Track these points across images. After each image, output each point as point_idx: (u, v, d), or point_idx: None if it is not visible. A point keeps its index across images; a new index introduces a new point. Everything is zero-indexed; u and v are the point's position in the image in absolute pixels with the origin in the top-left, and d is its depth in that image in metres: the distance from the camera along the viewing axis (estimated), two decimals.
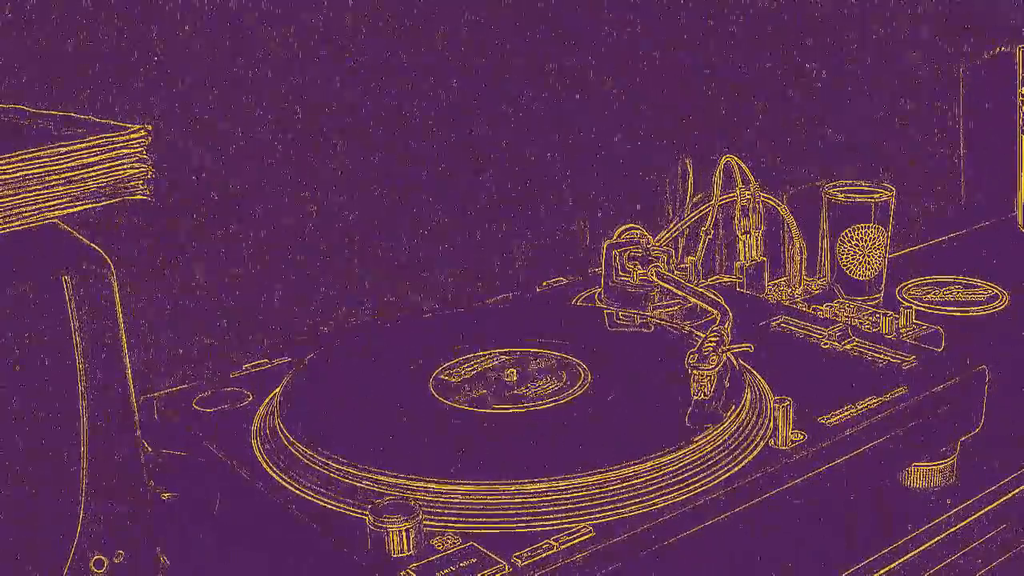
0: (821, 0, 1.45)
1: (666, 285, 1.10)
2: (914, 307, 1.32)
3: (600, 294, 1.17)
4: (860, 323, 1.12)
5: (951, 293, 1.42)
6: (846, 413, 0.93)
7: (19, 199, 0.72)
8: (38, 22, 0.97)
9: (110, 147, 0.75)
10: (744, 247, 1.27)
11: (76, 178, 0.74)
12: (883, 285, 1.39)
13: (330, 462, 0.84)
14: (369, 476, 0.82)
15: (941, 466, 1.00)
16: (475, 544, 0.77)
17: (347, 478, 0.83)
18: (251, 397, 0.98)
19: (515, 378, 0.96)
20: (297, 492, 0.84)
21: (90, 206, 0.75)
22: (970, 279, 1.45)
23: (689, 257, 1.20)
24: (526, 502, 0.80)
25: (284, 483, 0.85)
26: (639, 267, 1.13)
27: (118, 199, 0.76)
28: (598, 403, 0.92)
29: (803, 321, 1.10)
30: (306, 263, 1.15)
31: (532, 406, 0.92)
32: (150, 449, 0.94)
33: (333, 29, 1.12)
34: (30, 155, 0.72)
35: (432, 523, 0.79)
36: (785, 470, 0.87)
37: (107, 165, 0.75)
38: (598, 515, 0.80)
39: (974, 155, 1.65)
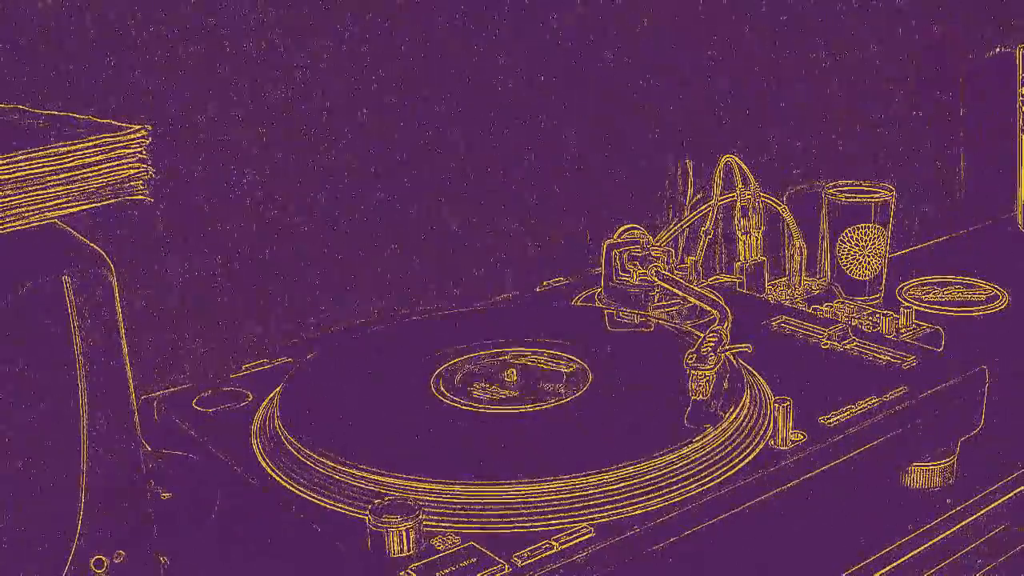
0: (821, 0, 1.45)
1: (666, 285, 1.10)
2: (914, 307, 1.32)
3: (600, 294, 1.17)
4: (860, 323, 1.12)
5: (951, 293, 1.42)
6: (846, 413, 0.93)
7: (19, 199, 0.72)
8: (38, 22, 0.97)
9: (110, 147, 0.75)
10: (744, 247, 1.27)
11: (76, 178, 0.74)
12: (883, 285, 1.39)
13: (330, 462, 0.84)
14: (369, 476, 0.82)
15: (941, 466, 1.00)
16: (475, 544, 0.77)
17: (347, 478, 0.83)
18: (251, 397, 0.98)
19: (515, 378, 0.96)
20: (297, 492, 0.84)
21: (90, 206, 0.75)
22: (970, 279, 1.45)
23: (689, 257, 1.20)
24: (526, 502, 0.80)
25: (284, 483, 0.85)
26: (639, 267, 1.13)
27: (118, 199, 0.76)
28: (598, 403, 0.92)
29: (803, 321, 1.10)
30: (306, 263, 1.15)
31: (532, 406, 0.92)
32: (150, 449, 0.94)
33: (332, 27, 1.12)
34: (30, 155, 0.72)
35: (432, 523, 0.79)
36: (785, 470, 0.87)
37: (107, 165, 0.75)
38: (598, 515, 0.80)
39: (974, 155, 1.65)
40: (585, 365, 0.98)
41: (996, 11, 1.63)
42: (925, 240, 1.62)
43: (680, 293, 1.09)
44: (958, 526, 0.97)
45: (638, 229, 1.15)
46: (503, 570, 0.74)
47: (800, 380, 0.98)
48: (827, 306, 1.18)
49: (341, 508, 0.82)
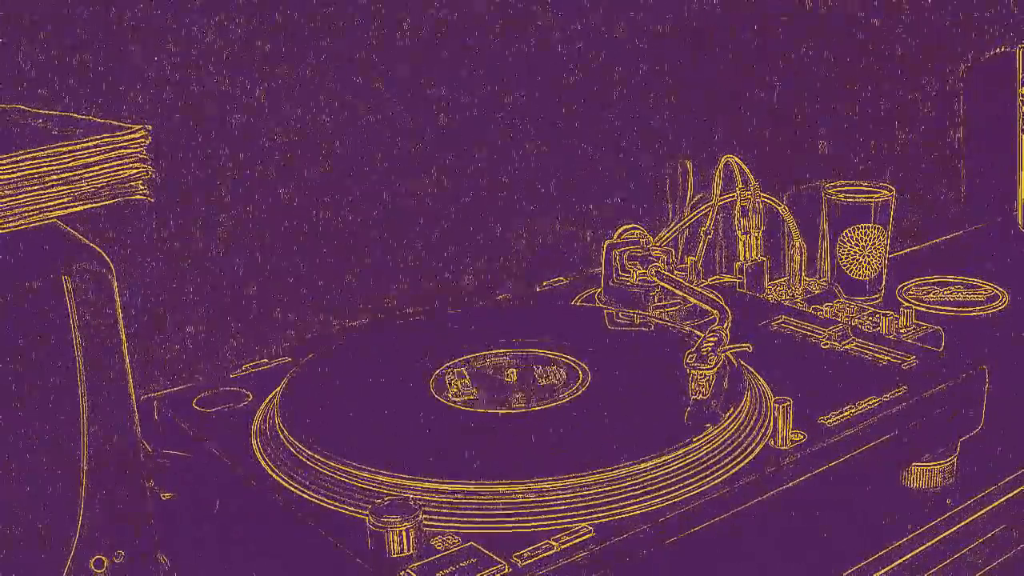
0: (820, 0, 1.45)
1: (666, 285, 1.10)
2: (914, 307, 1.32)
3: (600, 294, 1.17)
4: (860, 323, 1.12)
5: (951, 293, 1.42)
6: (846, 413, 0.93)
7: (19, 199, 0.72)
8: (39, 21, 0.97)
9: (110, 147, 0.75)
10: (744, 247, 1.27)
11: (76, 178, 0.74)
12: (883, 285, 1.39)
13: (330, 462, 0.84)
14: (369, 476, 0.82)
15: (941, 466, 1.00)
16: (475, 544, 0.77)
17: (347, 478, 0.83)
18: (251, 397, 0.98)
19: (515, 378, 0.96)
20: (297, 492, 0.84)
21: (90, 206, 0.75)
22: (970, 279, 1.45)
23: (689, 257, 1.20)
24: (526, 502, 0.80)
25: (284, 483, 0.85)
26: (639, 267, 1.13)
27: (118, 199, 0.76)
28: (598, 403, 0.92)
29: (803, 321, 1.10)
30: (307, 263, 1.15)
31: (532, 406, 0.92)
32: (150, 449, 0.94)
33: (333, 29, 1.12)
34: (30, 155, 0.72)
35: (432, 523, 0.79)
36: (785, 470, 0.87)
37: (107, 165, 0.75)
38: (598, 515, 0.80)
39: (974, 155, 1.65)
40: (585, 365, 0.98)
41: (996, 11, 1.63)
42: (925, 240, 1.62)
43: (680, 293, 1.09)
44: (958, 526, 0.97)
45: (638, 229, 1.15)
46: (503, 570, 0.74)
47: (800, 380, 0.98)
48: (827, 306, 1.18)
49: (341, 508, 0.82)
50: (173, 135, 1.05)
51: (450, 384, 0.95)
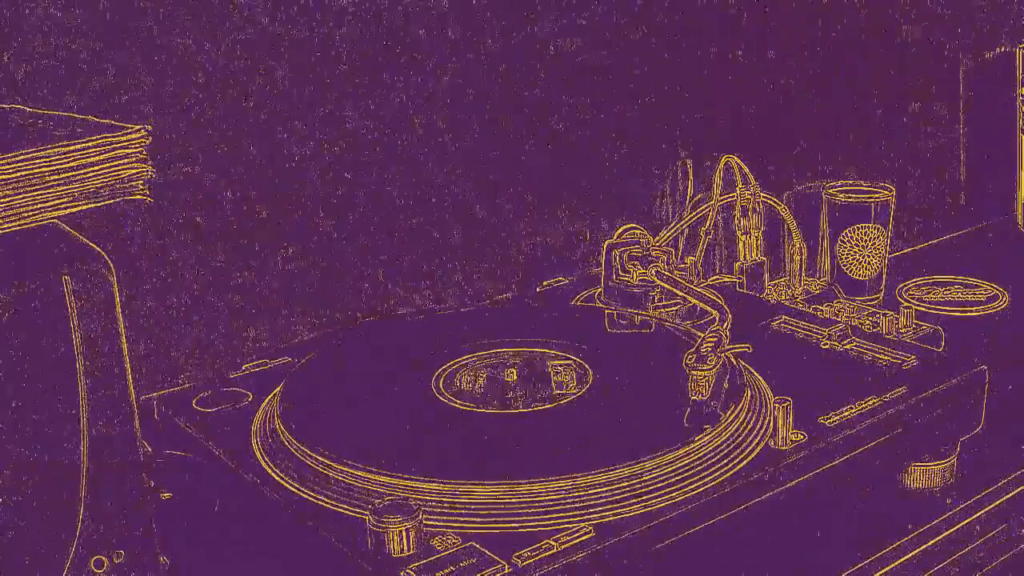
0: (820, 0, 1.45)
1: (666, 285, 1.10)
2: (914, 307, 1.32)
3: (600, 294, 1.17)
4: (860, 323, 1.12)
5: (951, 293, 1.42)
6: (846, 413, 0.93)
7: (19, 199, 0.72)
8: (39, 22, 0.97)
9: (110, 147, 0.75)
10: (744, 247, 1.27)
11: (76, 178, 0.74)
12: (883, 285, 1.39)
13: (330, 462, 0.84)
14: (369, 476, 0.82)
15: (941, 466, 1.00)
16: (475, 544, 0.77)
17: (347, 478, 0.83)
18: (251, 397, 0.98)
19: (515, 378, 0.96)
20: (297, 492, 0.84)
21: (90, 206, 0.75)
22: (970, 279, 1.45)
23: (689, 257, 1.20)
24: (526, 502, 0.80)
25: (284, 483, 0.85)
26: (639, 267, 1.13)
27: (118, 199, 0.76)
28: (598, 403, 0.92)
29: (803, 321, 1.10)
30: (306, 263, 1.15)
31: (532, 406, 0.92)
32: (150, 449, 0.94)
33: (330, 33, 1.12)
34: (30, 155, 0.72)
35: (432, 523, 0.79)
36: (785, 470, 0.87)
37: (107, 165, 0.75)
38: (598, 515, 0.80)
39: (974, 155, 1.65)
40: (585, 365, 0.98)
41: (996, 11, 1.63)
42: (925, 240, 1.62)
43: (680, 293, 1.09)
44: (958, 526, 0.97)
45: (638, 229, 1.15)
46: (503, 570, 0.74)
47: (800, 380, 0.98)
48: (827, 306, 1.18)
49: (341, 508, 0.82)
50: (173, 135, 1.05)
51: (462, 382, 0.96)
